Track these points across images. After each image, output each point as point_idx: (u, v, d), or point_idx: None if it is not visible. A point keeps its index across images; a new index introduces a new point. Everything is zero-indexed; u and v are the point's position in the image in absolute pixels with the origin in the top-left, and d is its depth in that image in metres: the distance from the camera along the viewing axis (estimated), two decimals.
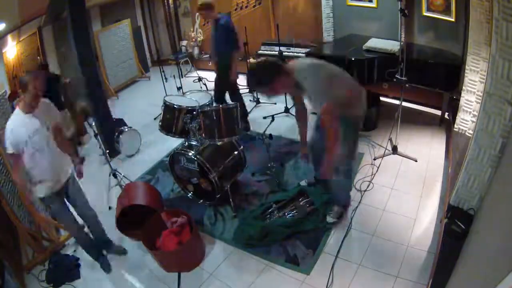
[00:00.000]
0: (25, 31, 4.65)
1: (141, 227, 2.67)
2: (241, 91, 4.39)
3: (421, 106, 4.31)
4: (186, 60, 6.83)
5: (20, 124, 2.15)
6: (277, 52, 4.83)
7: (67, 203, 2.55)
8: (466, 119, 2.91)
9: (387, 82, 3.87)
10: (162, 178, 3.69)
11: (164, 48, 7.60)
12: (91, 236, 2.75)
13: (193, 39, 7.03)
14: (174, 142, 4.00)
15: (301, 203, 2.95)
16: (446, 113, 3.86)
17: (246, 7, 6.09)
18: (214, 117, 2.91)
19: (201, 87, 5.82)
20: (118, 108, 5.34)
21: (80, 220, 2.66)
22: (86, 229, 2.74)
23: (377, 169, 3.33)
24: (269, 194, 3.19)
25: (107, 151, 3.44)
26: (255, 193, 3.23)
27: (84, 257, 2.81)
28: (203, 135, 2.98)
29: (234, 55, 3.90)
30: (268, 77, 2.18)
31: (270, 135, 3.22)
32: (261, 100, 5.06)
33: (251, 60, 5.62)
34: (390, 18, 4.04)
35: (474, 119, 2.69)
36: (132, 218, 2.83)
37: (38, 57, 5.21)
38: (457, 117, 3.05)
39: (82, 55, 3.78)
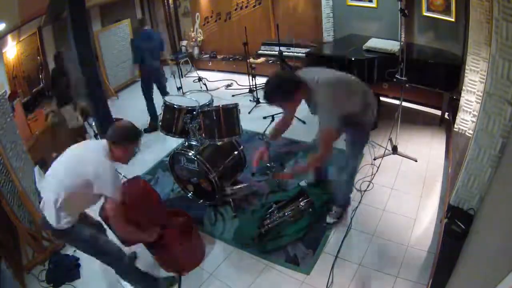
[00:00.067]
0: (25, 31, 4.63)
1: (141, 227, 2.65)
2: (241, 91, 4.39)
3: (421, 106, 4.31)
4: (186, 60, 6.83)
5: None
6: (277, 52, 4.82)
7: None
8: (466, 119, 2.91)
9: (387, 82, 3.88)
10: (162, 178, 3.69)
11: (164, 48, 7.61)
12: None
13: (193, 39, 7.03)
14: (174, 142, 4.01)
15: (300, 204, 2.95)
16: (446, 113, 3.86)
17: (246, 7, 6.09)
18: (214, 117, 2.91)
19: (201, 87, 5.82)
20: (118, 108, 5.33)
21: None
22: None
23: (377, 169, 3.33)
24: (269, 194, 3.19)
25: None
26: (255, 193, 3.23)
27: (84, 257, 2.80)
28: (203, 135, 2.98)
29: None
30: (287, 95, 2.14)
31: None
32: (261, 100, 5.06)
33: (251, 60, 5.63)
34: (390, 18, 4.05)
35: (474, 119, 2.70)
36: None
37: (38, 57, 5.19)
38: (457, 117, 3.05)
39: (82, 55, 3.78)
